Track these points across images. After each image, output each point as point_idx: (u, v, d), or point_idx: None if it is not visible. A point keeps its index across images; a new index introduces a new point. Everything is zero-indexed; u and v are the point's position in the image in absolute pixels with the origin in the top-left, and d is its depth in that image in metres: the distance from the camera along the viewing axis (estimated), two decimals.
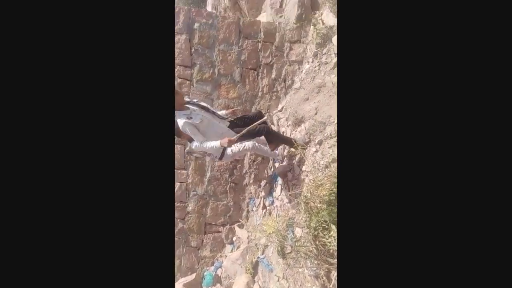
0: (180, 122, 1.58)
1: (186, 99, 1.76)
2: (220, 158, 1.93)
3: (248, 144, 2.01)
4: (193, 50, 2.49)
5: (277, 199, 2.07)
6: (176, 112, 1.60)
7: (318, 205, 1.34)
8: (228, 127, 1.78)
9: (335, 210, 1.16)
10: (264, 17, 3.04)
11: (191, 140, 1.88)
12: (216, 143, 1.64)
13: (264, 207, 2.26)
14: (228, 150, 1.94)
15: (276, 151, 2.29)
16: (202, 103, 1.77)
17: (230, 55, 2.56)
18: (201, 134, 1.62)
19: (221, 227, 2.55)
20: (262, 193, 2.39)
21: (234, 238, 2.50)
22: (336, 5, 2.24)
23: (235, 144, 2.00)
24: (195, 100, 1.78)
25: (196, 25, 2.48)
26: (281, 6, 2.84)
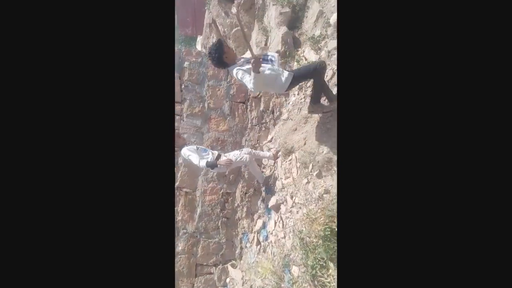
0: (234, 72, 1.68)
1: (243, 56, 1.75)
2: (211, 166, 1.96)
3: (246, 157, 2.02)
4: (183, 86, 2.57)
5: (272, 233, 1.98)
6: (229, 68, 1.71)
7: (314, 240, 1.29)
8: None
9: (332, 246, 1.11)
10: (250, 55, 3.23)
11: (183, 146, 2.08)
12: (196, 160, 1.93)
13: (258, 242, 2.14)
14: (224, 158, 1.95)
15: (264, 175, 2.31)
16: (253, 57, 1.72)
17: (219, 90, 2.65)
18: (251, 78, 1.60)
19: (213, 268, 2.37)
20: (257, 226, 2.29)
21: (228, 280, 2.31)
22: (317, 43, 2.44)
23: (233, 155, 2.03)
24: (248, 57, 1.75)
25: (186, 64, 2.60)
26: (266, 44, 3.07)
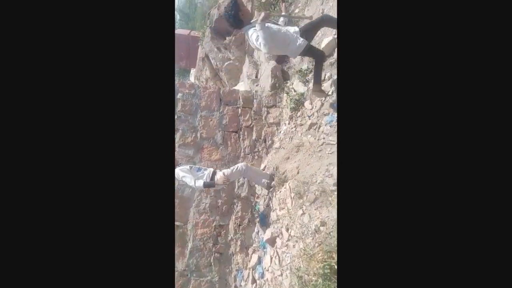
0: (250, 33, 1.68)
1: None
2: (208, 186, 1.91)
3: (241, 165, 1.95)
4: (176, 117, 2.60)
5: (268, 270, 1.86)
6: (244, 28, 1.72)
7: (313, 278, 1.22)
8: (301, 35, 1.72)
9: (332, 287, 1.04)
10: (242, 86, 3.38)
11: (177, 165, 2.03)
12: (192, 181, 1.91)
13: (254, 281, 2.00)
14: (220, 173, 1.88)
15: (267, 173, 2.23)
16: (268, 21, 1.73)
17: (211, 120, 2.69)
18: (267, 39, 1.63)
19: None
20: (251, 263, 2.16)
21: None
22: (305, 76, 2.58)
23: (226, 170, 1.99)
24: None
25: (179, 95, 2.66)
26: (256, 76, 3.22)
